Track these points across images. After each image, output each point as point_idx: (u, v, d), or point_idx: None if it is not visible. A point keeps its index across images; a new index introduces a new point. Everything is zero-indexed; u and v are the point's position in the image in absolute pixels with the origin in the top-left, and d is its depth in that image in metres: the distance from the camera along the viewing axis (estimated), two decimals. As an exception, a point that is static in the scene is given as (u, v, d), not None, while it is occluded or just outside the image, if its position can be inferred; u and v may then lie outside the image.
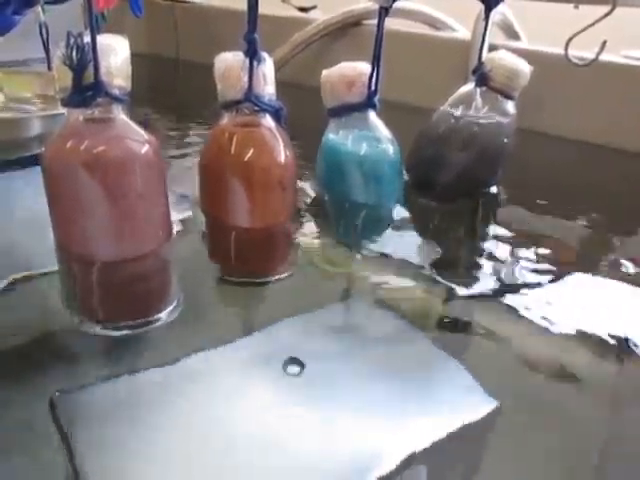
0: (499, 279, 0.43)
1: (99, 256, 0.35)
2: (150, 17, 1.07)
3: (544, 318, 0.39)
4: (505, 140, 0.55)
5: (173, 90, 1.00)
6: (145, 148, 0.34)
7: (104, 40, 0.32)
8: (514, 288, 0.42)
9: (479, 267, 0.45)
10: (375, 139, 0.51)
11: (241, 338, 0.35)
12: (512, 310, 0.40)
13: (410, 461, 0.28)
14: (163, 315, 0.37)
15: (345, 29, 0.90)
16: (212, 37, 0.96)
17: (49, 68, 0.64)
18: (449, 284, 0.42)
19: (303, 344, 0.35)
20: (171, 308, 0.37)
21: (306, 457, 0.28)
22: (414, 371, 0.34)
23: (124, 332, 0.35)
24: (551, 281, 0.44)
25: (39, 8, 0.61)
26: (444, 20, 0.87)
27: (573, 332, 0.38)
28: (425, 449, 0.29)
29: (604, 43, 0.56)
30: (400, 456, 0.28)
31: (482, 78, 0.54)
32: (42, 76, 0.68)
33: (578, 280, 0.44)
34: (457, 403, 0.32)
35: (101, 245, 0.35)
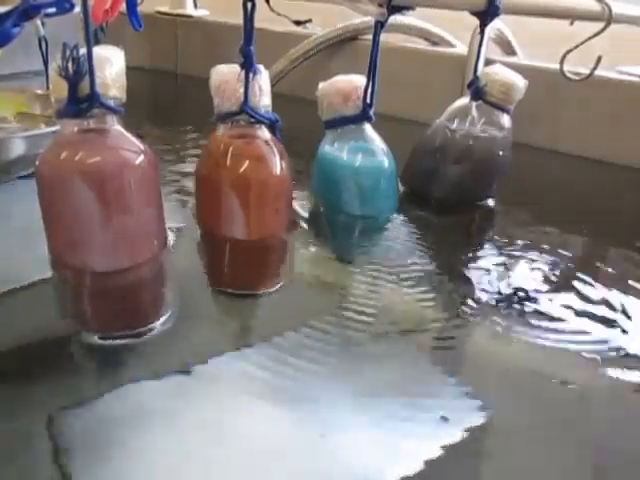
0: (494, 291, 0.43)
1: (93, 266, 0.35)
2: (150, 31, 1.08)
3: (538, 329, 0.39)
4: (500, 153, 0.55)
5: (171, 102, 1.01)
6: (140, 158, 0.35)
7: (100, 51, 0.33)
8: (509, 300, 0.42)
9: (474, 279, 0.45)
10: (371, 151, 0.51)
11: (234, 351, 0.35)
12: (506, 321, 0.40)
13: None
14: (157, 325, 0.36)
15: (343, 43, 0.90)
16: (211, 51, 0.96)
17: (47, 82, 0.64)
18: (444, 295, 0.42)
19: (295, 359, 0.35)
20: (165, 318, 0.37)
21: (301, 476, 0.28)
22: (409, 386, 0.34)
23: (118, 342, 0.35)
24: (546, 293, 0.44)
25: (38, 22, 0.61)
26: (441, 34, 0.87)
27: (568, 343, 0.38)
28: (422, 467, 0.28)
29: (599, 59, 0.57)
30: (395, 475, 0.28)
31: (478, 92, 0.54)
32: (23, 94, 0.64)
33: (573, 292, 0.44)
34: (451, 416, 0.32)
35: (95, 255, 0.35)
